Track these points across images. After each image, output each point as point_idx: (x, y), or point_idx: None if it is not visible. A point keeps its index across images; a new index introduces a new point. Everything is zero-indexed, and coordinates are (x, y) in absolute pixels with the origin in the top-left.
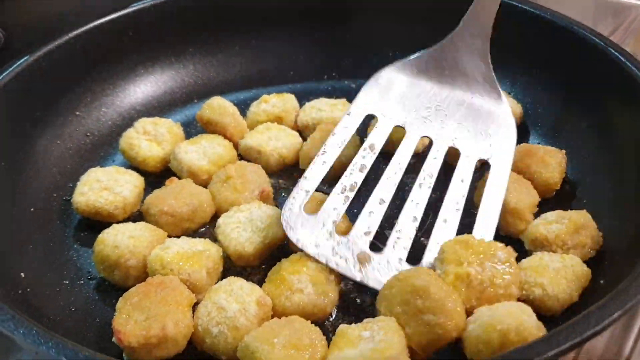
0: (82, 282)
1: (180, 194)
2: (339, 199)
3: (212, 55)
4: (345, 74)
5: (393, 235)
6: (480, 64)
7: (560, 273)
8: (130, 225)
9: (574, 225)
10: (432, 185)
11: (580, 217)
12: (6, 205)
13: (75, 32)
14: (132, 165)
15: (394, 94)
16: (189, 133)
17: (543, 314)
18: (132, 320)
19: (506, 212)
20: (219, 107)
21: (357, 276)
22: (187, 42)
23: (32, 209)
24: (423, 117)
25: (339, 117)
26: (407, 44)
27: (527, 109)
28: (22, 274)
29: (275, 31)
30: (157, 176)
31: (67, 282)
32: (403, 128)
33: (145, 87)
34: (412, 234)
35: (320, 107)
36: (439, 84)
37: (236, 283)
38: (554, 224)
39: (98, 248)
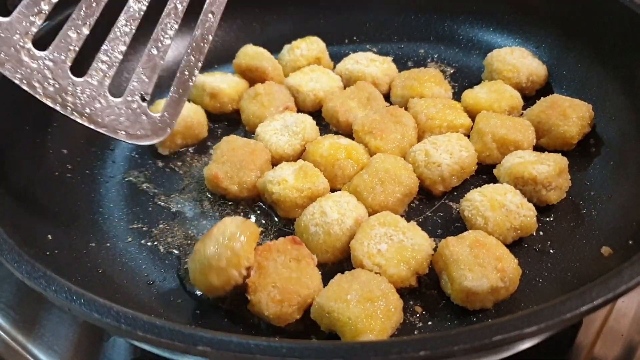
0: (108, 244)
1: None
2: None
3: (231, 20)
4: (367, 38)
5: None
6: None
7: None
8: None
9: (558, 168)
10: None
11: (563, 161)
12: (31, 169)
13: None
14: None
15: None
16: None
17: None
18: None
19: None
20: (255, 52)
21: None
22: None
23: (56, 173)
24: None
25: (373, 73)
26: (429, 5)
27: (552, 70)
28: (49, 236)
29: None
30: None
31: (93, 244)
32: None
33: None
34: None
35: (359, 60)
36: None
37: (346, 197)
38: (539, 164)
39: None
